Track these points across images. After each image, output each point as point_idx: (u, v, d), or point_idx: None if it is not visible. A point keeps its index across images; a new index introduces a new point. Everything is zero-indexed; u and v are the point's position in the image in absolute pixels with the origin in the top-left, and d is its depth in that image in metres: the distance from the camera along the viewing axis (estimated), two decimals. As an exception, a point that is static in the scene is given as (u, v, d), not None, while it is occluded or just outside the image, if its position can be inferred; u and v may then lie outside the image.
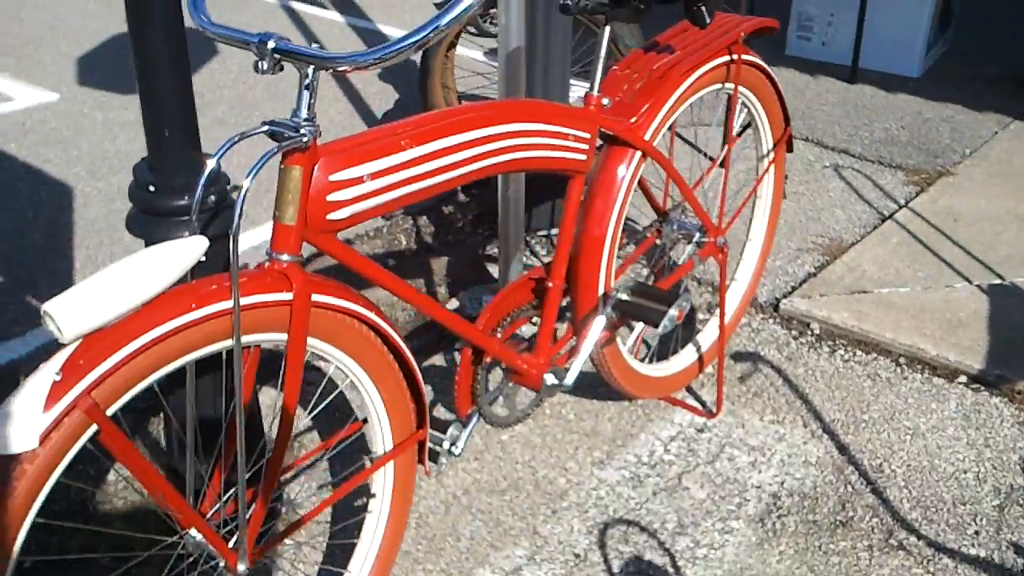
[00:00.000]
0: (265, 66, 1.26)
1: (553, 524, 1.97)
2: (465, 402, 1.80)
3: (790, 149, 2.30)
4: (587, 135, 1.69)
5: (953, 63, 4.51)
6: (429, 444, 1.65)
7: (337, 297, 1.39)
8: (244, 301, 1.26)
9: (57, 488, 1.17)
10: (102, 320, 1.14)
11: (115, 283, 1.15)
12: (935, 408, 2.30)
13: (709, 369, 2.37)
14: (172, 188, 1.59)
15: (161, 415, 2.09)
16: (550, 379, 1.82)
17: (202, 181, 1.26)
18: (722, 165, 2.09)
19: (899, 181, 3.45)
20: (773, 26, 2.02)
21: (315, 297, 1.35)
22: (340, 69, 1.23)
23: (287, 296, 1.32)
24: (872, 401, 2.33)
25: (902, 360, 2.48)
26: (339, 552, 1.90)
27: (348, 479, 1.59)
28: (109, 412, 1.17)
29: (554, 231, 3.03)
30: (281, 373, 1.37)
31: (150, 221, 1.60)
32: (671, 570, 1.86)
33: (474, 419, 1.83)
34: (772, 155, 2.26)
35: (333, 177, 1.34)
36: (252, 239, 3.04)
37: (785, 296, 2.73)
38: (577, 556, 1.89)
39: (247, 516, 1.38)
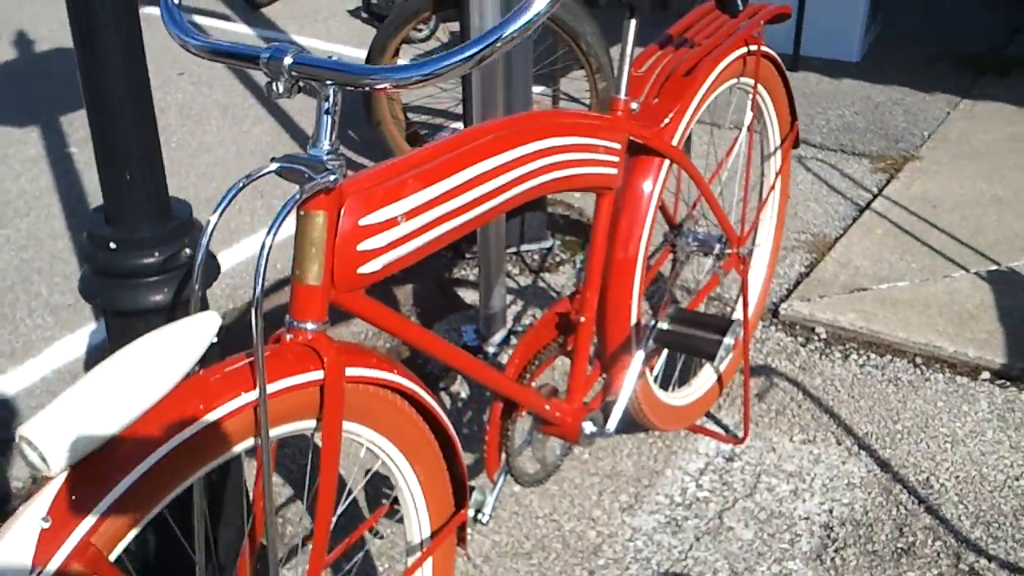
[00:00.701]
0: (281, 88, 1.00)
1: (593, 587, 1.74)
2: (494, 462, 1.56)
3: (796, 145, 2.12)
4: (618, 145, 1.46)
5: (889, 45, 4.44)
6: None
7: (372, 368, 1.13)
8: (269, 389, 1.00)
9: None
10: (99, 442, 0.87)
11: (111, 391, 0.88)
12: (967, 410, 2.15)
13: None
14: (138, 244, 1.30)
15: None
16: (588, 427, 1.59)
17: (204, 241, 0.99)
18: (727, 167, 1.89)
19: (866, 169, 3.33)
20: (787, 12, 1.83)
21: (349, 371, 1.09)
22: (378, 87, 0.97)
23: (317, 375, 1.06)
24: (900, 408, 2.16)
25: (919, 360, 2.33)
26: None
27: None
28: (113, 556, 0.89)
29: (525, 247, 2.80)
30: (309, 466, 1.11)
31: (112, 285, 1.31)
32: (736, 628, 1.65)
33: (501, 480, 1.59)
34: (780, 153, 2.07)
35: (364, 221, 1.08)
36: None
37: (783, 300, 2.55)
38: (629, 623, 1.67)
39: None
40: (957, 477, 1.96)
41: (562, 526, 1.87)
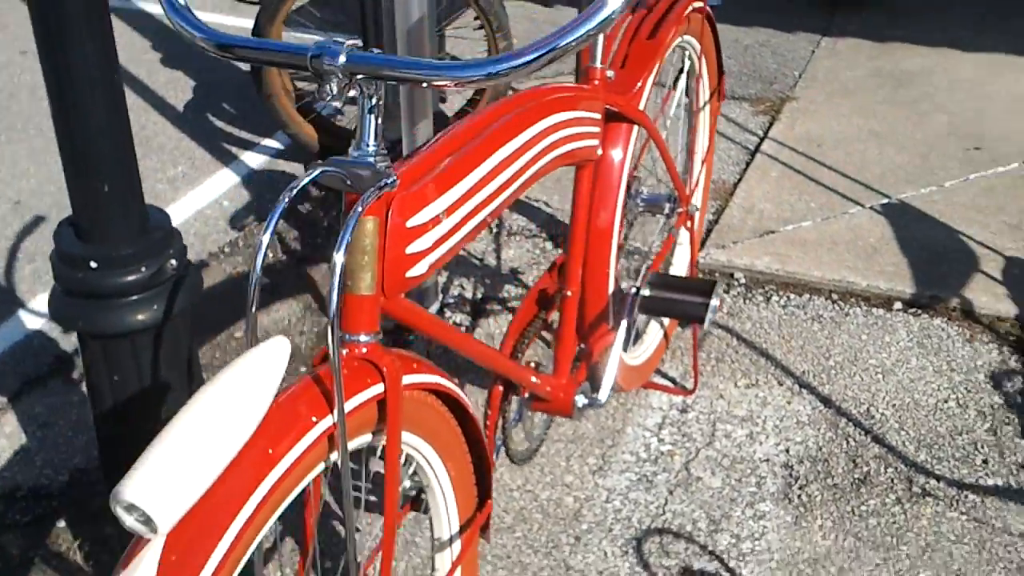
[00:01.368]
0: (334, 90, 0.94)
1: (583, 553, 1.76)
2: (492, 443, 1.55)
3: (721, 98, 2.16)
4: (599, 116, 1.46)
5: (745, -12, 4.58)
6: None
7: (421, 373, 1.10)
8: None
9: None
10: (198, 494, 0.81)
11: (200, 438, 0.82)
12: (889, 340, 2.28)
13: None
14: (122, 261, 1.20)
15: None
16: (581, 400, 1.60)
17: (258, 263, 0.92)
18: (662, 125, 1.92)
19: (748, 112, 3.44)
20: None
21: (404, 379, 1.06)
22: (440, 85, 0.92)
23: (378, 389, 1.01)
24: (829, 345, 2.27)
25: (835, 296, 2.45)
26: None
27: None
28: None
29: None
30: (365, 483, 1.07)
31: (93, 307, 1.21)
32: (726, 573, 1.71)
33: (497, 461, 1.59)
34: (709, 107, 2.11)
35: (411, 223, 1.04)
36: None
37: (699, 249, 2.62)
38: (625, 583, 1.70)
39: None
40: (894, 405, 2.09)
41: (538, 495, 1.88)
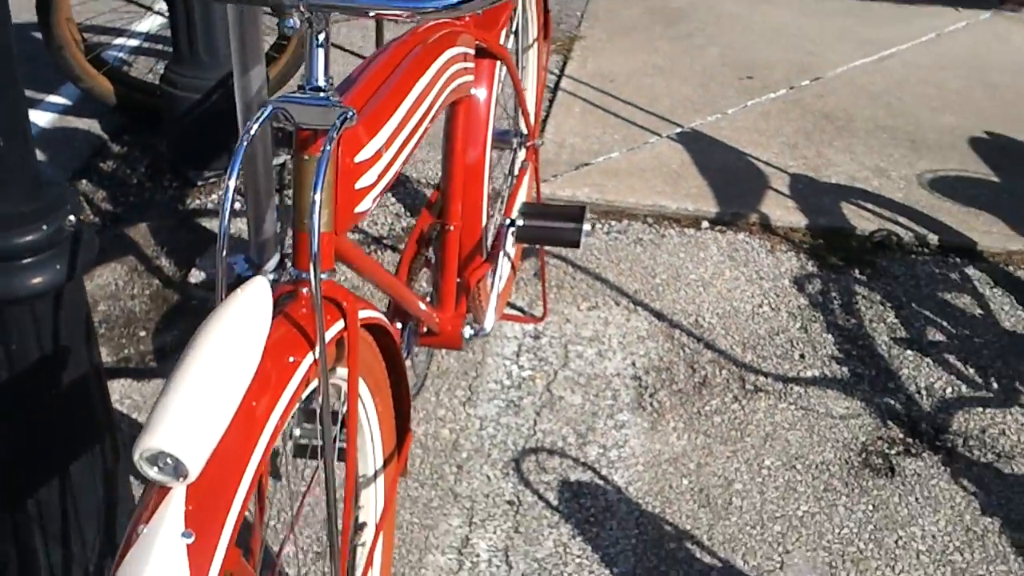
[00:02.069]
0: (296, 23, 0.92)
1: (467, 480, 1.84)
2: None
3: (548, 36, 2.25)
4: (472, 51, 1.50)
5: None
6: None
7: (366, 308, 1.12)
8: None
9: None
10: (218, 437, 0.80)
11: (207, 385, 0.81)
12: (704, 257, 2.49)
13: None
14: (19, 220, 1.13)
15: None
16: (468, 331, 1.66)
17: (226, 210, 0.91)
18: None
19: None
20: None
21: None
22: (391, 15, 0.93)
23: (340, 326, 1.03)
24: (652, 265, 2.45)
25: (650, 220, 2.63)
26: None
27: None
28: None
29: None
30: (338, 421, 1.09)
31: (-12, 273, 1.14)
32: (601, 481, 1.84)
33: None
34: (537, 45, 2.19)
35: (359, 157, 1.05)
36: None
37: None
38: (512, 503, 1.79)
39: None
40: (718, 314, 2.30)
41: (414, 431, 1.94)
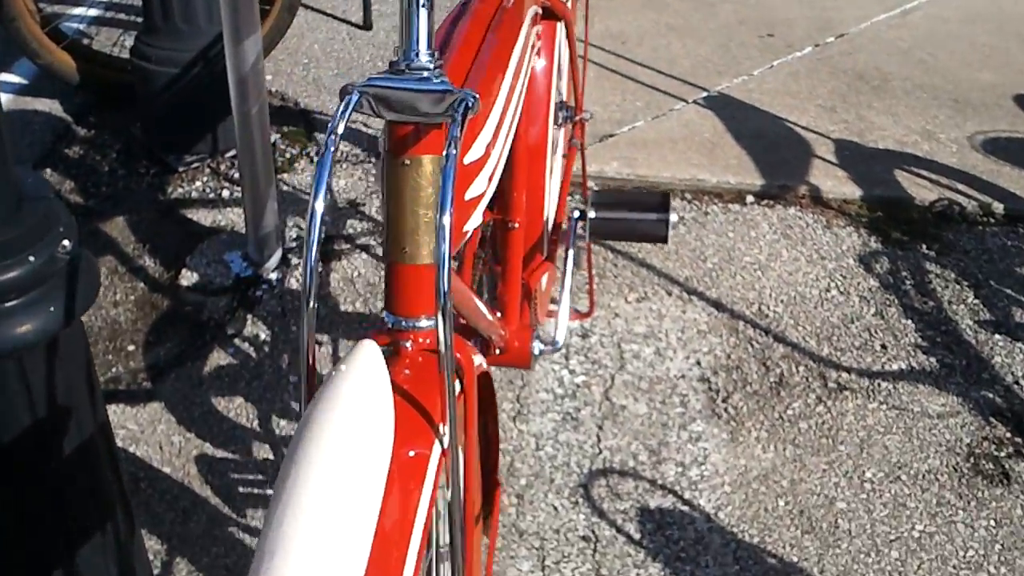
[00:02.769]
0: None
1: (532, 513, 1.57)
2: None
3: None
4: (540, 10, 1.22)
5: None
6: None
7: (476, 354, 0.84)
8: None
9: None
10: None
11: (338, 509, 0.55)
12: (755, 236, 2.24)
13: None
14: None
15: None
16: (538, 346, 1.38)
17: (313, 242, 0.63)
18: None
19: (542, 11, 3.27)
20: None
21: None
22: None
23: (457, 389, 0.76)
24: (700, 247, 2.19)
25: (689, 196, 2.37)
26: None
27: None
28: None
29: (232, 153, 2.36)
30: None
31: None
32: (685, 507, 1.59)
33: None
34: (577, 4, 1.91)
35: (468, 157, 0.77)
36: None
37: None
38: (587, 539, 1.53)
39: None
40: (782, 301, 2.05)
41: (462, 456, 1.66)
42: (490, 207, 1.39)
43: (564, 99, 1.72)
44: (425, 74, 0.70)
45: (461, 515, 0.74)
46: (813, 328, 1.98)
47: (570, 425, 1.73)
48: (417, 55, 0.70)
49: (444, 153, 0.66)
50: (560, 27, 1.39)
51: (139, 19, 2.34)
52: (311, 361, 0.70)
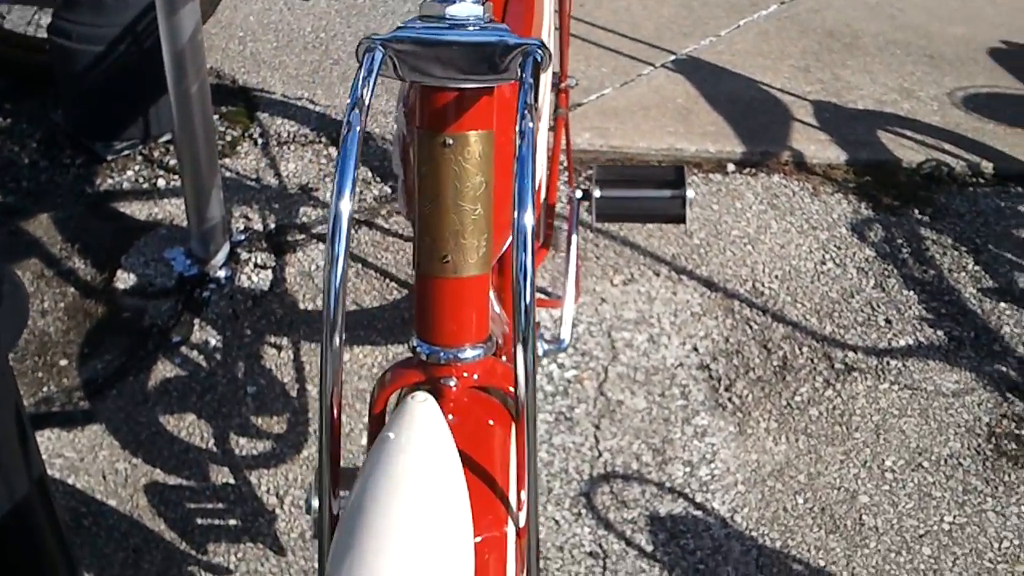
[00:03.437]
0: None
1: (530, 526, 1.41)
2: None
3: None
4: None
5: None
6: None
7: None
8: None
9: None
10: None
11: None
12: (741, 207, 2.09)
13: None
14: None
15: None
16: (542, 347, 1.21)
17: (339, 254, 0.46)
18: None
19: (492, -25, 3.07)
20: None
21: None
22: None
23: (509, 429, 0.60)
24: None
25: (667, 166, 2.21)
26: None
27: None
28: None
29: (165, 138, 2.14)
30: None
31: None
32: (698, 512, 1.45)
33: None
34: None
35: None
36: None
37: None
38: (596, 556, 1.38)
39: None
40: (777, 277, 1.91)
41: (448, 467, 1.50)
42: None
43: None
44: (472, 19, 0.52)
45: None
46: (812, 305, 1.84)
47: (564, 426, 1.57)
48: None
49: (517, 128, 0.49)
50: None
51: (54, -8, 2.10)
52: (336, 413, 0.54)
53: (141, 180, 2.06)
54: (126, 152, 2.11)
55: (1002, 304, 1.86)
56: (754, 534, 1.41)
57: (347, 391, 1.59)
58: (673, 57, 2.62)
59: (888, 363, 1.72)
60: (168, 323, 1.72)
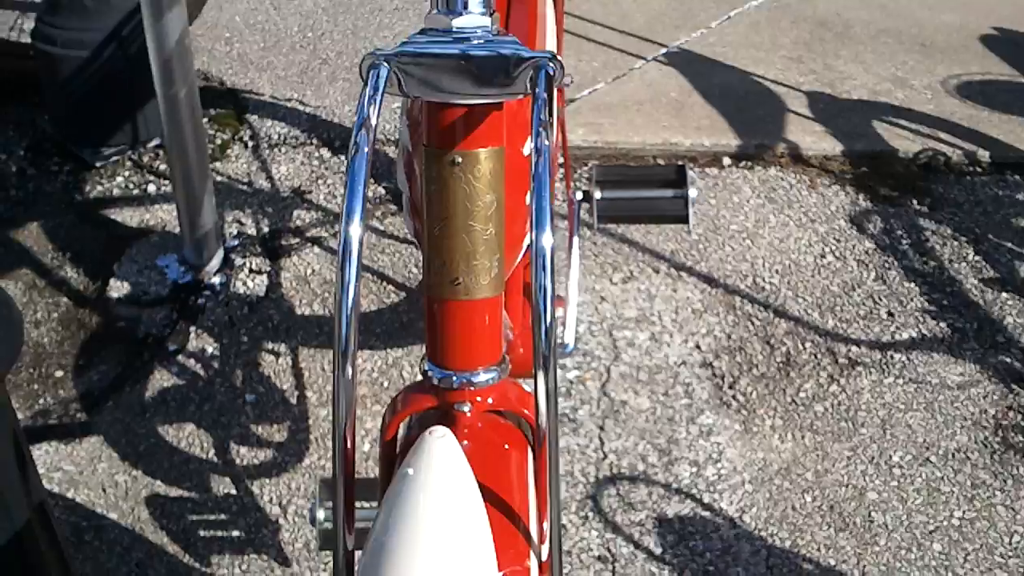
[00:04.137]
0: None
1: (538, 532, 1.39)
2: None
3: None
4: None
5: None
6: None
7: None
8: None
9: None
10: None
11: None
12: (738, 201, 2.08)
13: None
14: None
15: None
16: (547, 350, 1.19)
17: (350, 278, 0.44)
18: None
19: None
20: None
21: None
22: None
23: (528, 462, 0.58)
24: (683, 217, 2.02)
25: (662, 162, 2.20)
26: None
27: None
28: None
29: (155, 143, 2.11)
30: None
31: None
32: (706, 512, 1.43)
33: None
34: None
35: (527, 148, 0.58)
36: None
37: (502, 131, 2.25)
38: (604, 560, 1.36)
39: None
40: (777, 271, 1.89)
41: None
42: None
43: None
44: (480, 32, 0.50)
45: None
46: (814, 299, 1.83)
47: (568, 428, 1.55)
48: (466, 6, 0.50)
49: (532, 144, 0.47)
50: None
51: (38, -3, 2.07)
52: (349, 444, 0.52)
53: (131, 186, 2.03)
54: (115, 158, 2.08)
55: (1003, 294, 1.85)
56: (763, 534, 1.40)
57: (348, 397, 1.56)
58: (665, 50, 2.60)
59: (892, 357, 1.71)
60: (164, 332, 1.69)
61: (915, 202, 2.09)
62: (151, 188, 2.03)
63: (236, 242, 1.87)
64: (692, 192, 1.31)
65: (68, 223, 1.93)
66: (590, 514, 1.42)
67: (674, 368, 1.67)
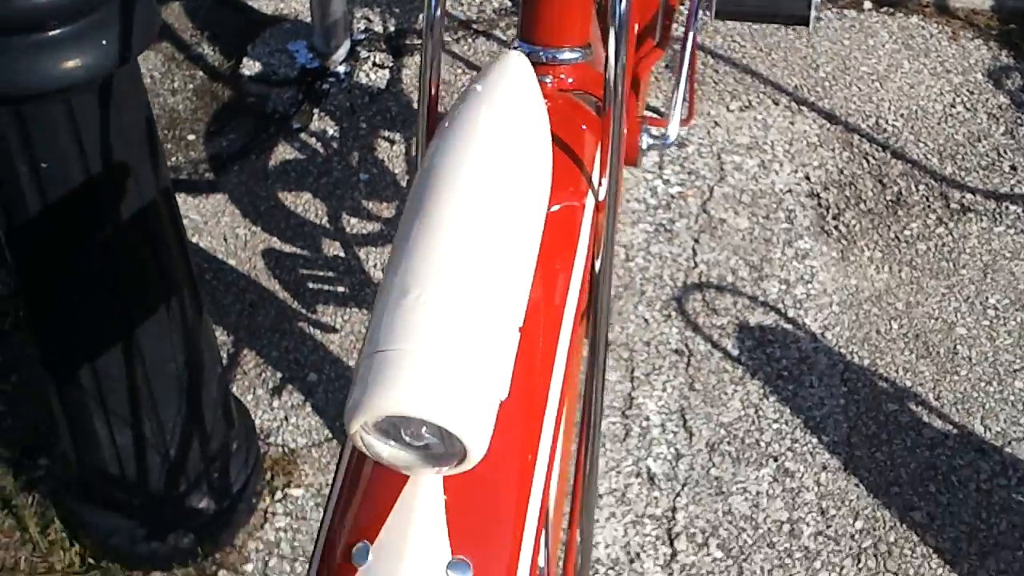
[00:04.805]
0: None
1: (620, 324, 1.45)
2: None
3: None
4: None
5: None
6: None
7: None
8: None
9: None
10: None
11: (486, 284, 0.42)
12: (874, 44, 2.01)
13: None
14: None
15: None
16: (647, 140, 1.22)
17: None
18: None
19: None
20: None
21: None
22: None
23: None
24: (812, 54, 1.98)
25: None
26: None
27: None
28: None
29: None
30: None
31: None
32: (789, 325, 1.46)
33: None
34: None
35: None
36: None
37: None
38: (680, 353, 1.41)
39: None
40: (902, 115, 1.84)
41: (546, 262, 1.54)
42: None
43: None
44: None
45: (608, 286, 0.61)
46: (935, 145, 1.78)
47: (664, 237, 1.59)
48: None
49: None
50: None
51: None
52: (432, 91, 0.56)
53: (271, -24, 2.09)
54: (258, -52, 2.15)
55: None
56: (843, 351, 1.42)
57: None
58: None
59: (1007, 208, 1.66)
60: (289, 110, 1.78)
61: (1063, 63, 1.98)
62: None
63: (363, 36, 1.93)
64: (816, -8, 1.28)
65: (208, 5, 2.02)
66: (673, 313, 1.47)
67: (779, 195, 1.67)
